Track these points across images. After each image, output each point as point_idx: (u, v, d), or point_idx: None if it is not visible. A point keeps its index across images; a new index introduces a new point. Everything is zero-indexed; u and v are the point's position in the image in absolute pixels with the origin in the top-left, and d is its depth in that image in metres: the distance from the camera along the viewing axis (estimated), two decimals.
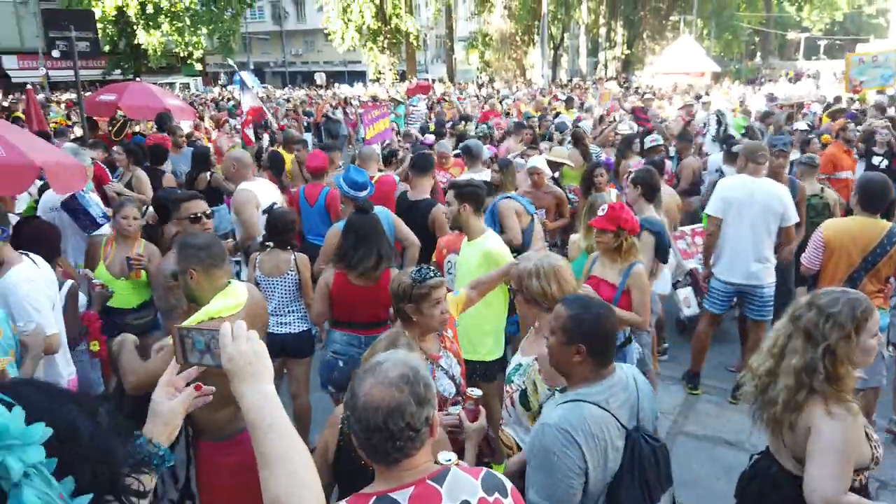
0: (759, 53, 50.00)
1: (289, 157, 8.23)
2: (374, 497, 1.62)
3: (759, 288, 5.18)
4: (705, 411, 5.21)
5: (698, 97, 17.31)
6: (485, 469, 1.78)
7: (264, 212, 4.99)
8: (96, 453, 0.89)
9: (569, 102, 16.32)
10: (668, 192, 5.95)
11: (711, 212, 5.32)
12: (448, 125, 11.66)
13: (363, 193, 4.97)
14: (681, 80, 24.84)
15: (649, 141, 7.83)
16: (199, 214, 4.02)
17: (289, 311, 4.43)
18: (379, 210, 4.64)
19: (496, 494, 1.70)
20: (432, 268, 2.99)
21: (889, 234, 4.15)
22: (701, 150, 9.60)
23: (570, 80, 41.26)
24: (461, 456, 2.70)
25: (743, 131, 9.16)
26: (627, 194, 5.11)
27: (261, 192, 5.53)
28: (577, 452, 2.14)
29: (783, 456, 2.40)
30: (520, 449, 2.81)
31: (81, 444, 0.87)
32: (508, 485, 1.76)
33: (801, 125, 10.04)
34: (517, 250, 4.63)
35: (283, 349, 4.38)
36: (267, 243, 4.52)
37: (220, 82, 43.27)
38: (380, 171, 6.66)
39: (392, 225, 4.89)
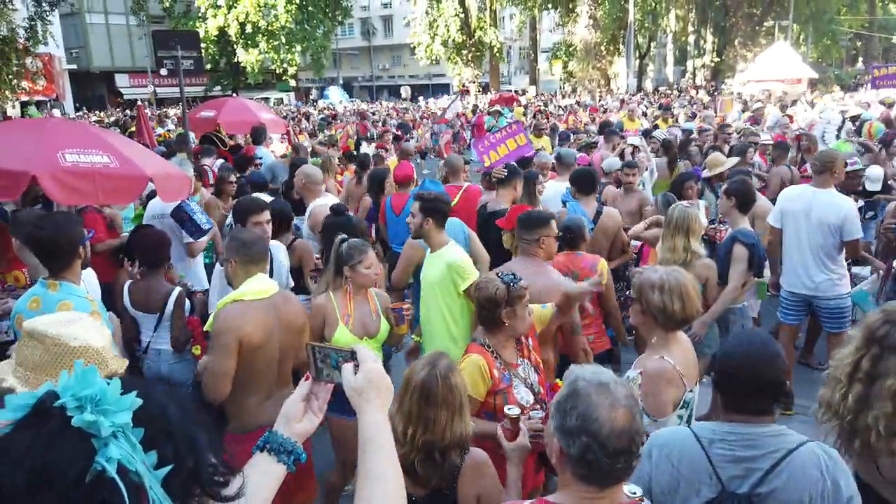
0: (860, 59, 47.18)
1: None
2: None
3: (824, 300, 5.05)
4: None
5: (812, 104, 16.40)
6: None
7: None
8: (182, 436, 0.93)
9: (666, 111, 15.88)
10: (761, 202, 5.75)
11: (770, 221, 5.25)
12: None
13: None
14: (774, 88, 23.78)
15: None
16: None
17: None
18: (455, 223, 4.62)
19: None
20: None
21: None
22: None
23: (657, 90, 40.24)
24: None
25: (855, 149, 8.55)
26: (720, 205, 4.99)
27: None
28: (647, 465, 2.12)
29: (881, 486, 2.26)
30: None
31: (169, 423, 0.93)
32: None
33: None
34: None
35: None
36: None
37: (311, 97, 44.81)
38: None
39: (467, 237, 4.87)
